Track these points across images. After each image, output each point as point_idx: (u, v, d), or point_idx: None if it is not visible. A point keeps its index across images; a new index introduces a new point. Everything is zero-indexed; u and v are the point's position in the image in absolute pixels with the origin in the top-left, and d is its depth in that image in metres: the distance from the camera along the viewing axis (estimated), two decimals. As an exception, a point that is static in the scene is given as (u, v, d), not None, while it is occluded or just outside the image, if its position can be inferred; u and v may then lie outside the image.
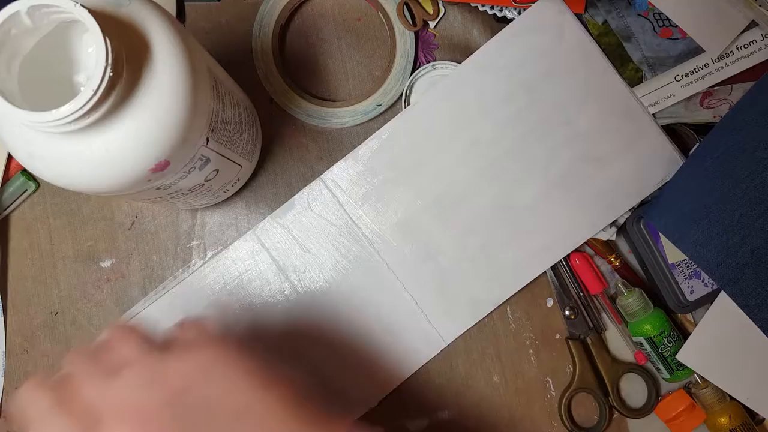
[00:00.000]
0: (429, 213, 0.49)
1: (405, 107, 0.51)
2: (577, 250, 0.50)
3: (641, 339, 0.49)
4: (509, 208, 0.50)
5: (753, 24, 0.47)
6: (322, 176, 0.50)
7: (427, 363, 0.50)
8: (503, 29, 0.49)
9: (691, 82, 0.48)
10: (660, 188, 0.50)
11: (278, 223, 0.49)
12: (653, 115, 0.50)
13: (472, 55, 0.50)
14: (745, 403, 0.48)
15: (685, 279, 0.49)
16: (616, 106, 0.49)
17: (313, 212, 0.49)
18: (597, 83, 0.49)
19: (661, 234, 0.48)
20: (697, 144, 0.49)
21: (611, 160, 0.50)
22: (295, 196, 0.50)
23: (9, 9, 0.30)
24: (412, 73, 0.52)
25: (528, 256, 0.50)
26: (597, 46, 0.49)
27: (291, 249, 0.49)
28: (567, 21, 0.49)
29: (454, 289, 0.49)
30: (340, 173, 0.50)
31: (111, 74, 0.30)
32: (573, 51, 0.49)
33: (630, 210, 0.50)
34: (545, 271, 0.51)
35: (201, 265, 0.50)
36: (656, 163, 0.49)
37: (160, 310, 0.49)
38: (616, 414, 0.51)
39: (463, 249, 0.49)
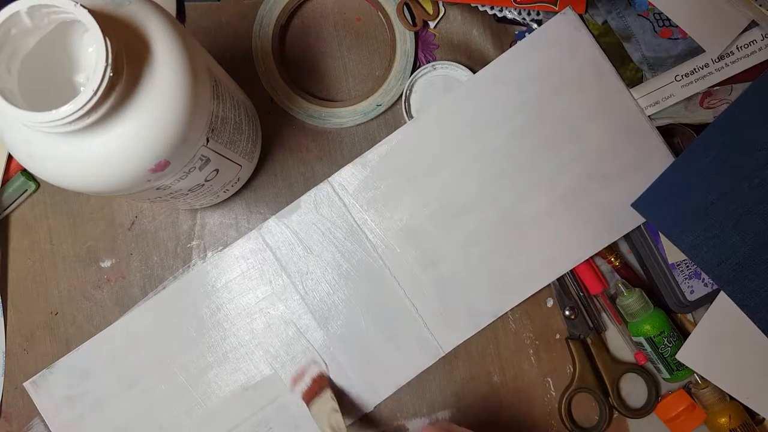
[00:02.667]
0: (434, 221, 0.50)
1: (405, 107, 0.51)
2: (577, 250, 0.50)
3: (641, 339, 0.49)
4: (513, 220, 0.50)
5: (753, 24, 0.47)
6: (329, 179, 0.50)
7: (427, 363, 0.50)
8: (518, 43, 0.50)
9: (692, 82, 0.48)
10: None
11: (283, 223, 0.49)
12: (651, 117, 0.50)
13: (485, 68, 0.50)
14: (744, 403, 0.48)
15: (685, 279, 0.49)
16: (625, 125, 0.49)
17: (319, 214, 0.50)
18: (608, 102, 0.49)
19: (661, 234, 0.48)
20: (693, 140, 0.49)
21: (617, 179, 0.50)
22: (302, 198, 0.50)
23: (9, 9, 0.30)
24: (412, 73, 0.52)
25: (530, 269, 0.50)
26: (610, 64, 0.49)
27: (294, 250, 0.49)
28: (582, 38, 0.49)
29: (455, 299, 0.49)
30: (348, 177, 0.50)
31: (111, 74, 0.30)
32: (586, 68, 0.49)
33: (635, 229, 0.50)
34: (546, 284, 0.50)
35: (203, 262, 0.50)
36: None
37: (158, 307, 0.49)
38: (616, 414, 0.51)
39: (466, 259, 0.49)
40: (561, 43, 0.49)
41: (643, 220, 0.49)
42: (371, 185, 0.50)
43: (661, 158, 0.50)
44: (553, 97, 0.50)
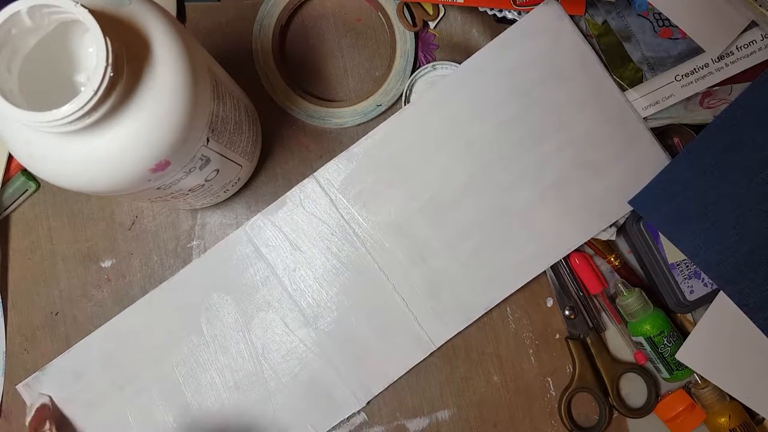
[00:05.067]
0: (422, 214, 0.49)
1: (404, 107, 0.51)
2: (576, 250, 0.50)
3: (641, 339, 0.49)
4: (502, 211, 0.50)
5: (753, 24, 0.47)
6: (315, 174, 0.49)
7: (427, 363, 0.50)
8: (501, 33, 0.50)
9: (691, 82, 0.48)
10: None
11: (269, 221, 0.49)
12: (653, 115, 0.50)
13: (470, 58, 0.50)
14: (744, 403, 0.49)
15: (685, 279, 0.49)
16: (610, 113, 0.49)
17: (305, 210, 0.49)
18: (592, 90, 0.49)
19: (660, 234, 0.48)
20: (693, 139, 0.49)
21: (604, 167, 0.50)
22: (287, 194, 0.49)
23: (9, 9, 0.30)
24: (412, 74, 0.52)
25: (520, 260, 0.50)
26: (594, 53, 0.49)
27: (281, 247, 0.49)
28: (565, 27, 0.49)
29: (446, 293, 0.49)
30: (334, 172, 0.49)
31: (111, 74, 0.30)
32: (570, 57, 0.49)
33: (623, 216, 0.50)
34: (545, 271, 0.51)
35: (192, 262, 0.50)
36: (648, 170, 0.49)
37: (148, 307, 0.49)
38: (615, 414, 0.51)
39: (456, 252, 0.49)
40: (545, 33, 0.49)
41: (630, 208, 0.49)
42: (358, 179, 0.49)
43: (645, 144, 0.50)
44: (539, 87, 0.49)
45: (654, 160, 0.49)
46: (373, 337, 0.49)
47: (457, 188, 0.50)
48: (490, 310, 0.50)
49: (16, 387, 0.48)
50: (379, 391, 0.49)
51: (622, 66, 0.49)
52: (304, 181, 0.49)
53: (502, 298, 0.50)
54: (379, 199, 0.49)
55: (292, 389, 0.49)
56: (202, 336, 0.49)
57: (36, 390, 0.48)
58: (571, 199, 0.50)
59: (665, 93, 0.49)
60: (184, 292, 0.49)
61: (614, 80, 0.49)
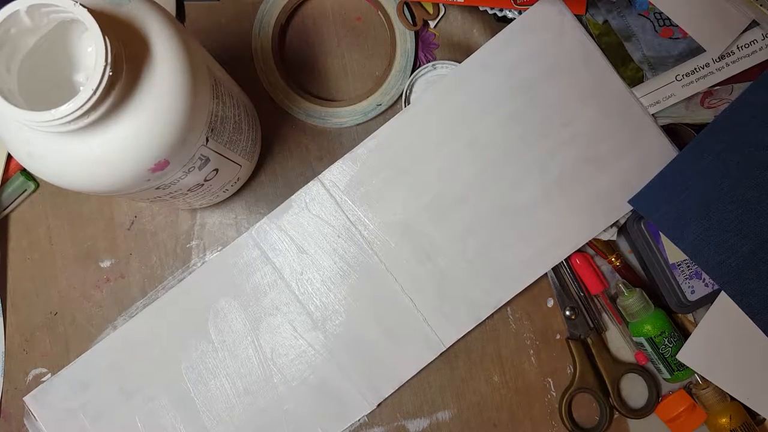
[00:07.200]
0: (428, 214, 0.49)
1: (405, 107, 0.51)
2: (577, 250, 0.50)
3: (642, 339, 0.49)
4: (509, 209, 0.49)
5: (754, 24, 0.47)
6: (319, 176, 0.49)
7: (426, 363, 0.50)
8: (503, 29, 0.49)
9: (692, 82, 0.48)
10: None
11: (275, 224, 0.49)
12: (653, 115, 0.50)
13: (472, 55, 0.49)
14: (745, 403, 0.48)
15: (686, 279, 0.49)
16: (615, 106, 0.49)
17: (311, 213, 0.49)
18: (596, 84, 0.49)
19: (661, 234, 0.48)
20: (693, 139, 0.49)
21: (611, 161, 0.49)
22: (292, 197, 0.49)
23: (9, 8, 0.30)
24: (412, 73, 0.51)
25: (528, 257, 0.49)
26: (597, 47, 0.49)
27: (288, 250, 0.49)
28: (567, 21, 0.49)
29: (454, 292, 0.49)
30: (338, 173, 0.49)
31: (110, 74, 0.30)
32: (572, 51, 0.49)
33: (624, 216, 0.50)
34: (546, 272, 0.50)
35: (198, 267, 0.50)
36: (657, 164, 0.49)
37: (155, 315, 0.49)
38: (616, 414, 0.51)
39: (463, 250, 0.49)
40: (547, 28, 0.49)
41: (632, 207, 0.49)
42: (363, 180, 0.49)
43: (652, 138, 0.49)
44: (542, 82, 0.49)
45: (662, 153, 0.49)
46: (382, 339, 0.49)
47: (461, 186, 0.49)
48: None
49: (24, 399, 0.48)
50: (389, 393, 0.49)
51: (622, 66, 0.49)
52: (308, 183, 0.49)
53: (510, 297, 0.49)
54: (383, 200, 0.49)
55: (302, 393, 0.49)
56: (211, 342, 0.49)
57: (43, 401, 0.48)
58: (577, 194, 0.49)
59: (666, 93, 0.49)
60: (192, 299, 0.49)
61: (616, 73, 0.49)
